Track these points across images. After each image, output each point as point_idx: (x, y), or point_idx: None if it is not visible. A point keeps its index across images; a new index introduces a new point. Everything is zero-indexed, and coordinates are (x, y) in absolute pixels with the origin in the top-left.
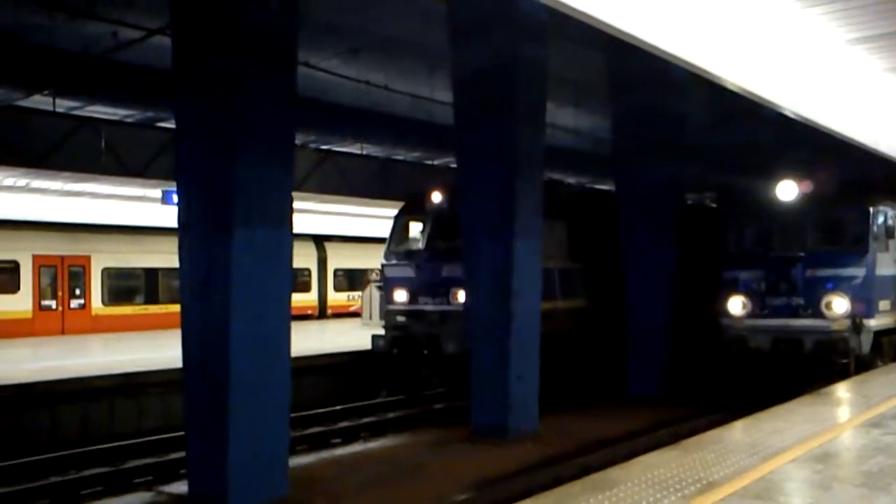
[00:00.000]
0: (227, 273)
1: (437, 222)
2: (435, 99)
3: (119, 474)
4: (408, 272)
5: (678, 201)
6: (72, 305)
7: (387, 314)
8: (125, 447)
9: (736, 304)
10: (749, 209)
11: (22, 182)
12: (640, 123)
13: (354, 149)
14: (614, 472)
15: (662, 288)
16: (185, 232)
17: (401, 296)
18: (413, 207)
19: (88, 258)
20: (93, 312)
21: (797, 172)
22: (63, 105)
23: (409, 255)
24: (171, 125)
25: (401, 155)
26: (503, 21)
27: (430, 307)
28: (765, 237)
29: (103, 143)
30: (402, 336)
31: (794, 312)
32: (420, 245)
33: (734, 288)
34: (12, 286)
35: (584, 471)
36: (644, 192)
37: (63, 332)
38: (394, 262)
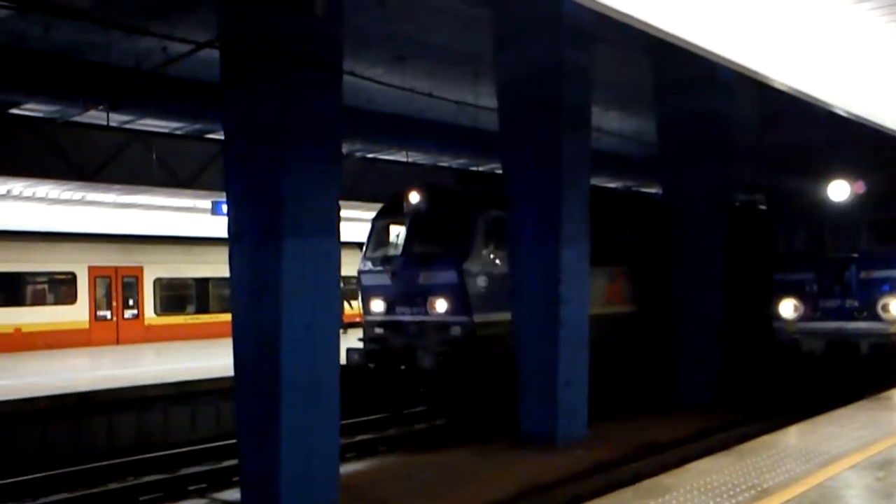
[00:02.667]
0: (277, 281)
1: (415, 225)
2: (480, 105)
3: (174, 481)
4: (384, 280)
5: (727, 203)
6: (126, 315)
7: (364, 326)
8: (180, 455)
9: (787, 308)
10: (800, 210)
11: (78, 195)
12: (686, 125)
13: (400, 156)
14: (666, 479)
15: (712, 292)
16: (235, 241)
17: (377, 305)
18: (391, 209)
19: (141, 269)
20: (145, 322)
21: (849, 172)
22: (116, 119)
23: (386, 262)
24: (219, 136)
25: (445, 162)
26: (547, 26)
27: (407, 318)
28: (816, 238)
29: (154, 156)
30: (378, 349)
31: (849, 315)
32: (397, 250)
33: (785, 291)
34: (70, 297)
35: (635, 477)
36: (692, 195)
37: (117, 342)
38: (370, 268)
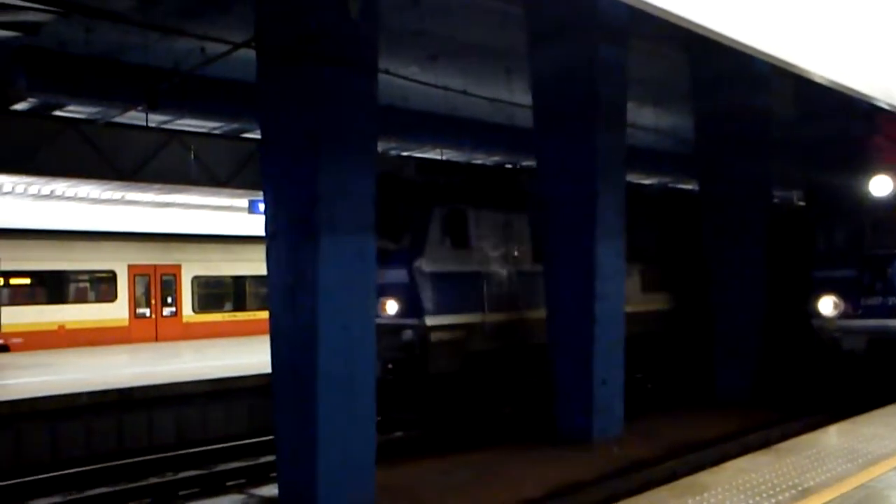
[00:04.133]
0: (314, 280)
1: None
2: (514, 102)
3: (213, 476)
4: None
5: (765, 199)
6: (164, 313)
7: None
8: (218, 450)
9: (827, 305)
10: (840, 206)
11: (117, 195)
12: (723, 121)
13: (435, 154)
14: (704, 477)
15: (750, 289)
16: (272, 240)
17: None
18: None
19: (179, 267)
20: (184, 320)
21: (891, 167)
22: (155, 119)
23: None
24: (256, 136)
25: (480, 159)
26: (582, 22)
27: None
28: (857, 235)
29: (192, 155)
30: None
31: (892, 312)
32: None
33: (826, 288)
34: (111, 295)
35: (671, 475)
36: (729, 191)
37: (156, 339)
38: None
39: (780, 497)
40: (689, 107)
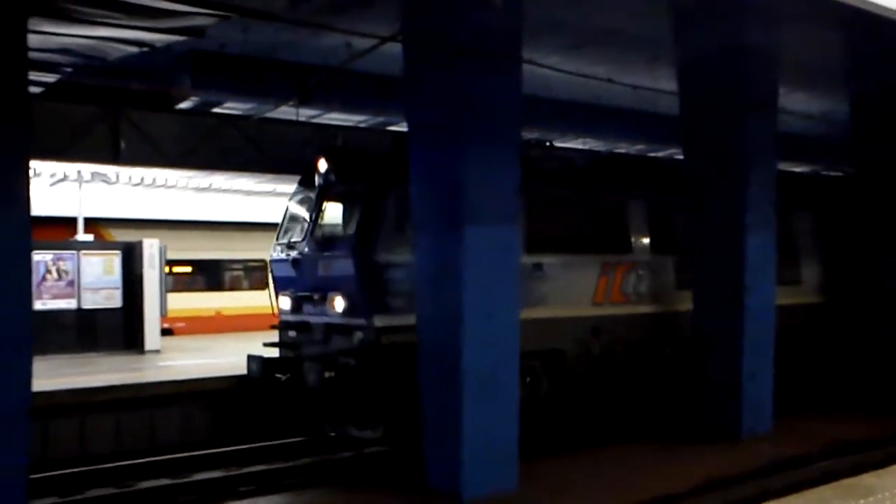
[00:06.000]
0: (458, 270)
1: (321, 201)
2: (658, 89)
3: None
4: (289, 270)
5: None
6: None
7: (280, 326)
8: None
9: None
10: None
11: (269, 187)
12: (885, 102)
13: (577, 144)
14: (869, 479)
15: None
16: (418, 230)
17: (284, 302)
18: (305, 181)
19: None
20: None
21: None
22: (304, 114)
23: (290, 248)
24: (400, 128)
25: (623, 148)
26: (729, 5)
27: (313, 318)
28: None
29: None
30: (292, 357)
31: None
32: (301, 233)
33: None
34: (262, 283)
35: (824, 475)
36: (892, 176)
37: None
38: (277, 256)
39: None
40: (846, 89)
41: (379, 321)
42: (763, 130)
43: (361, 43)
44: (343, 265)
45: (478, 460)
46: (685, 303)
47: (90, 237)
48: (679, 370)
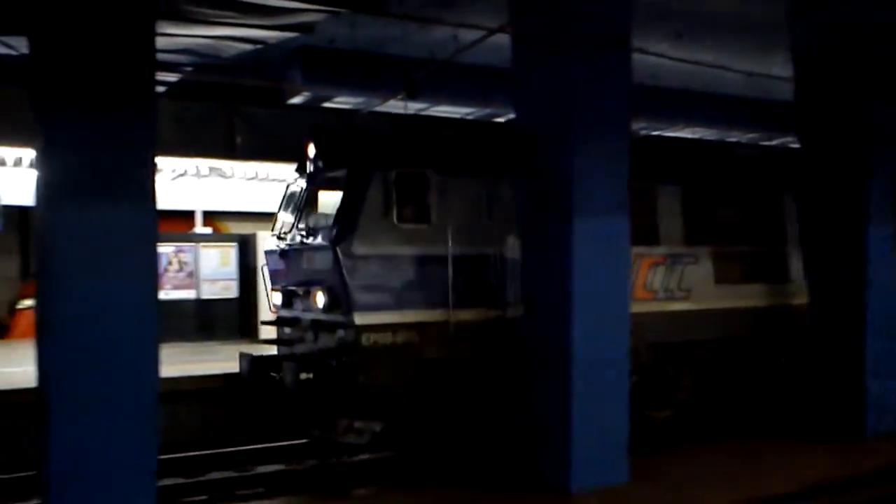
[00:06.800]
0: (568, 261)
1: (311, 188)
2: (772, 75)
3: None
4: (279, 263)
5: None
6: None
7: (275, 323)
8: None
9: None
10: None
11: None
12: None
13: (687, 133)
14: None
15: None
16: (528, 220)
17: (276, 297)
18: (299, 167)
19: None
20: None
21: None
22: (412, 107)
23: (280, 239)
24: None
25: (735, 137)
26: None
27: (300, 314)
28: None
29: None
30: (286, 354)
31: None
32: (290, 224)
33: None
34: None
35: None
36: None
37: None
38: (270, 247)
39: None
40: None
41: (360, 319)
42: (888, 114)
43: (468, 35)
44: (323, 257)
45: (587, 452)
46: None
47: (209, 230)
48: (796, 366)
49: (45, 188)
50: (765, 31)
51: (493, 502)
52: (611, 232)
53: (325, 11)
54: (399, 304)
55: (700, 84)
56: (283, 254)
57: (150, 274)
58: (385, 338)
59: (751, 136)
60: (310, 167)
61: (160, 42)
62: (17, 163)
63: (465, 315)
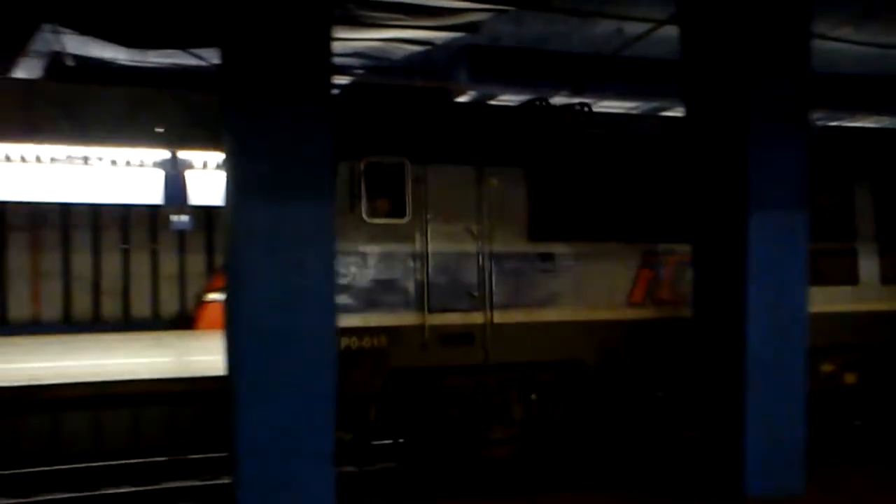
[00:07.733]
0: (743, 258)
1: None
2: None
3: None
4: None
5: None
6: None
7: None
8: None
9: None
10: None
11: None
12: None
13: (870, 122)
14: None
15: None
16: (699, 217)
17: None
18: None
19: None
20: None
21: None
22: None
23: None
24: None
25: None
26: None
27: None
28: None
29: None
30: None
31: None
32: None
33: None
34: None
35: None
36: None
37: None
38: None
39: None
40: None
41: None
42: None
43: (633, 29)
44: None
45: (762, 456)
46: None
47: None
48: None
49: (235, 187)
50: None
51: None
52: (788, 226)
53: (490, 10)
54: (368, 307)
55: (885, 67)
56: None
57: (329, 265)
58: (352, 342)
59: None
60: None
61: (334, 46)
62: (204, 166)
63: (441, 320)
